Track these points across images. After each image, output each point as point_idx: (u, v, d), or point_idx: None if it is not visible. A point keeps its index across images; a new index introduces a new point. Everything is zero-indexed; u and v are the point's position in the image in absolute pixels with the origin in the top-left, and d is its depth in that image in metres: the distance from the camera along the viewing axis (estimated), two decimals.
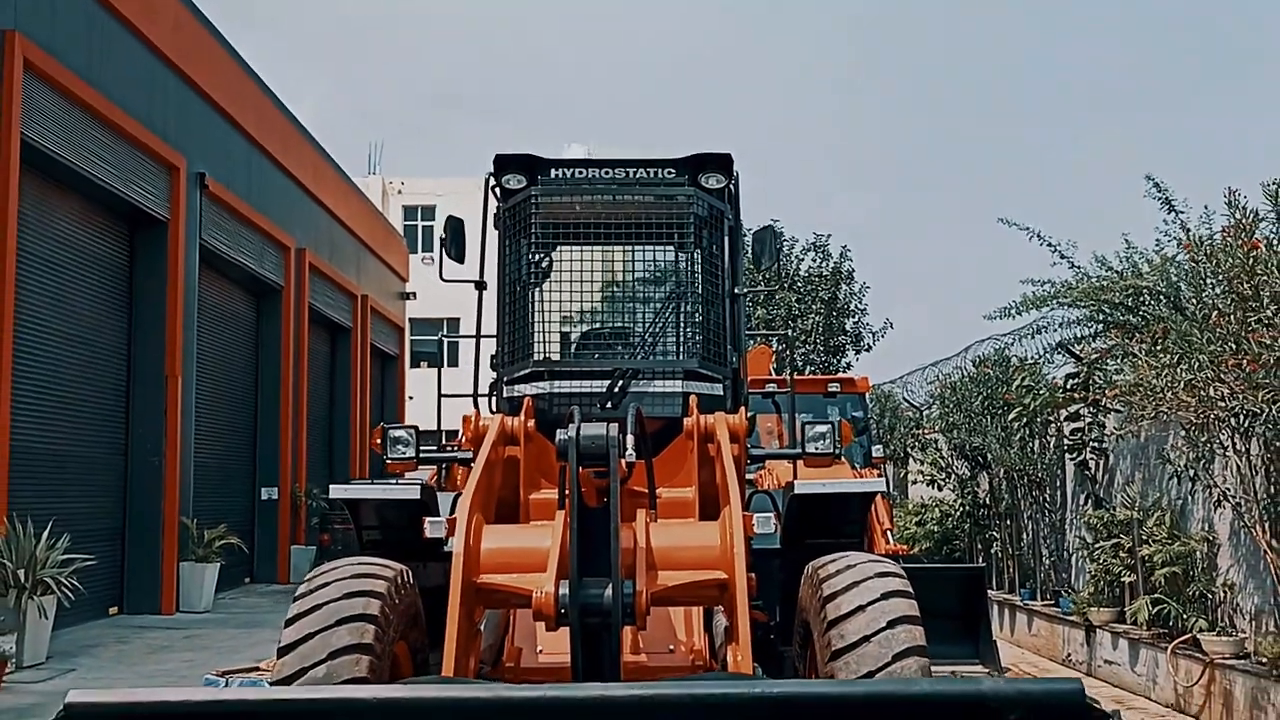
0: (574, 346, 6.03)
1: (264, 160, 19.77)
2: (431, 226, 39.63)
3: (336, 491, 5.34)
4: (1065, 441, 11.42)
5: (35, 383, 12.83)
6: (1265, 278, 6.73)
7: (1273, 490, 7.54)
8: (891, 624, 4.16)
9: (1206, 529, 8.96)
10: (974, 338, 15.07)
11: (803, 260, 29.67)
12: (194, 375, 16.51)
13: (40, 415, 13.00)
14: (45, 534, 11.04)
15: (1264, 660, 7.59)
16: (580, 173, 5.81)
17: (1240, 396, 7.04)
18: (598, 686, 2.73)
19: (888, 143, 76.64)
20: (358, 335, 25.89)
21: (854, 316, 29.71)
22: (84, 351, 14.31)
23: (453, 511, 5.17)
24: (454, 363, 40.58)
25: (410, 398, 32.06)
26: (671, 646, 4.90)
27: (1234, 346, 6.97)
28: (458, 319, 37.29)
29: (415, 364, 35.07)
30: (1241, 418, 7.25)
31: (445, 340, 6.42)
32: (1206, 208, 8.81)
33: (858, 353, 29.77)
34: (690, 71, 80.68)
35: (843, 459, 12.19)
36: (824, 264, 29.54)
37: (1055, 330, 10.91)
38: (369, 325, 26.64)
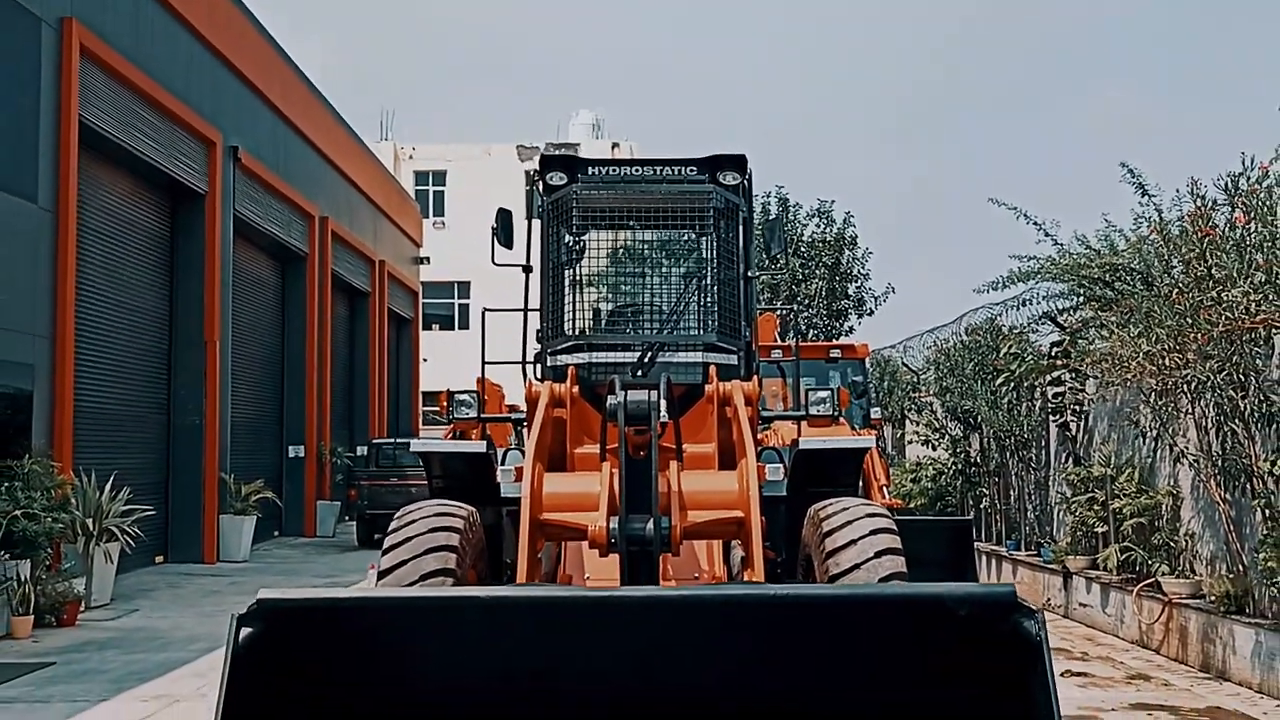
0: (608, 322, 6.90)
1: (290, 132, 20.59)
2: (443, 191, 40.37)
3: (416, 445, 6.26)
4: (1049, 405, 12.34)
5: (91, 347, 13.77)
6: (1217, 261, 7.60)
7: (1224, 450, 8.47)
8: (878, 554, 5.10)
9: (1172, 484, 9.89)
10: (969, 305, 15.93)
11: (806, 226, 30.44)
12: (229, 340, 17.45)
13: (96, 377, 13.96)
14: (108, 486, 12.01)
15: (1213, 599, 8.56)
16: (614, 170, 6.67)
17: (1194, 366, 7.95)
18: (655, 589, 3.65)
19: (896, 104, 76.97)
20: (376, 299, 26.77)
21: (856, 282, 30.52)
22: (132, 318, 15.26)
23: (504, 462, 6.13)
24: (464, 325, 41.30)
25: (425, 359, 33.01)
26: (697, 574, 5.85)
27: (1190, 321, 7.86)
28: (468, 283, 38.20)
29: (428, 326, 36.01)
30: (1195, 385, 8.16)
31: (486, 312, 7.23)
32: (1178, 191, 9.62)
33: (860, 317, 30.60)
34: (697, 38, 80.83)
35: (842, 420, 13.14)
36: (827, 230, 30.29)
37: (1039, 302, 11.80)
38: (386, 290, 27.52)
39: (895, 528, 5.27)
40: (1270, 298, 6.90)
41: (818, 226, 30.42)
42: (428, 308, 35.72)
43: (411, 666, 3.62)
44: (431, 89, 73.24)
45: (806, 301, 29.24)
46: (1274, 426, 7.79)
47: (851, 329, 30.14)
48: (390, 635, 3.64)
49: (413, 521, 5.22)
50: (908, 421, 18.33)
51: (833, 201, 30.47)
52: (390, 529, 5.27)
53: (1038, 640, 3.46)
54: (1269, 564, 7.50)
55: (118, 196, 14.76)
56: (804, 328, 29.14)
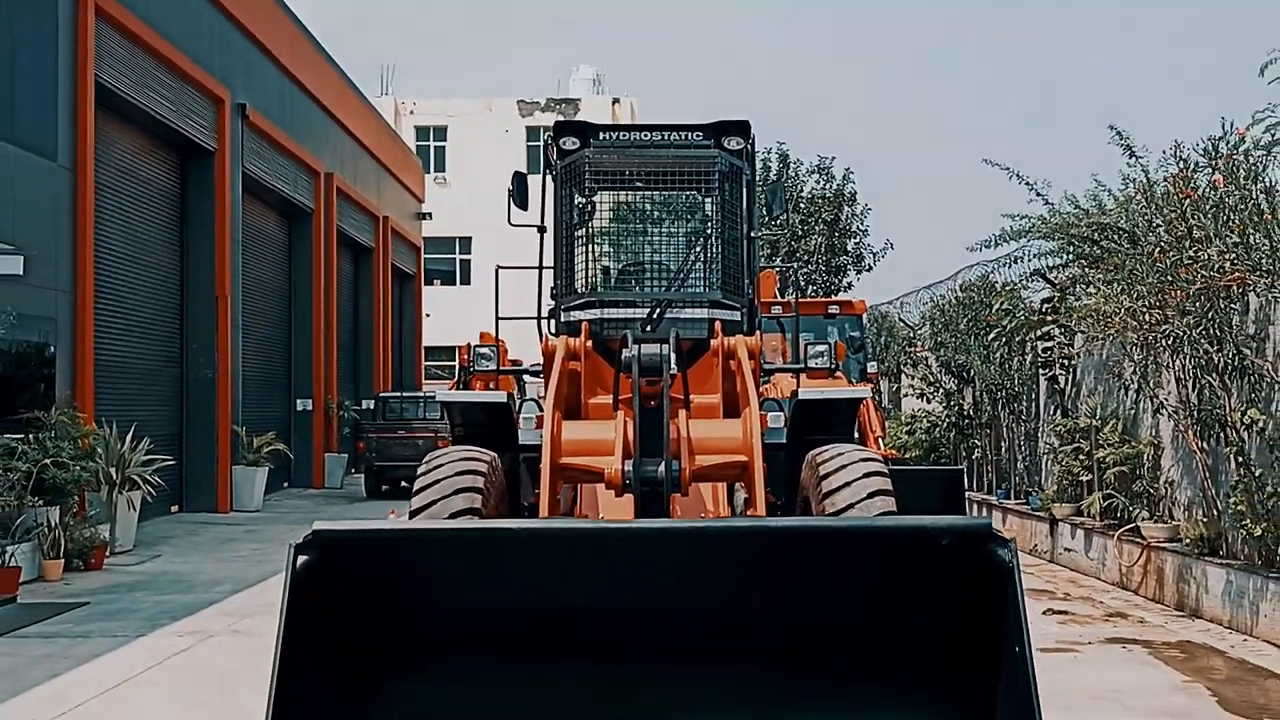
0: (618, 280, 7.28)
1: (295, 90, 20.82)
2: (444, 147, 40.48)
3: (442, 396, 6.69)
4: (1038, 359, 12.77)
5: (108, 301, 14.15)
6: (1197, 222, 7.98)
7: (1199, 402, 8.91)
8: (871, 495, 5.53)
9: (1153, 435, 10.34)
10: (967, 262, 16.30)
11: (806, 182, 30.70)
12: (240, 295, 17.81)
13: (112, 331, 14.35)
14: (129, 436, 12.44)
15: (1189, 542, 9.04)
16: (624, 136, 7.03)
17: (1173, 322, 8.36)
18: (668, 521, 4.08)
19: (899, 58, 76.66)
20: (379, 255, 27.08)
21: (855, 238, 30.83)
22: (145, 273, 15.63)
23: (522, 410, 6.55)
24: (466, 281, 41.49)
25: (427, 315, 33.36)
26: (703, 514, 6.29)
27: (1170, 279, 8.26)
28: (469, 238, 38.47)
29: (430, 281, 36.33)
30: (1173, 339, 8.58)
31: (500, 270, 7.59)
32: (1165, 152, 9.96)
33: (859, 273, 30.95)
34: None
35: (840, 374, 13.57)
36: (827, 186, 30.55)
37: (1031, 260, 12.18)
38: (390, 245, 27.81)
39: (887, 471, 5.70)
40: (1242, 256, 7.28)
41: (818, 183, 30.67)
42: (429, 263, 36.01)
43: (449, 591, 4.02)
44: (431, 42, 72.95)
45: (806, 257, 29.57)
46: (1246, 379, 8.21)
47: (850, 285, 30.52)
48: (431, 563, 4.05)
49: (441, 465, 5.64)
50: (903, 375, 18.77)
51: (833, 158, 30.69)
52: (420, 472, 5.69)
53: (1010, 566, 3.86)
54: (1239, 508, 7.96)
55: (130, 154, 15.08)
56: (803, 284, 29.50)
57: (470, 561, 4.05)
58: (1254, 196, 7.27)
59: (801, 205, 29.91)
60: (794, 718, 4.01)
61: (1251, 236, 7.20)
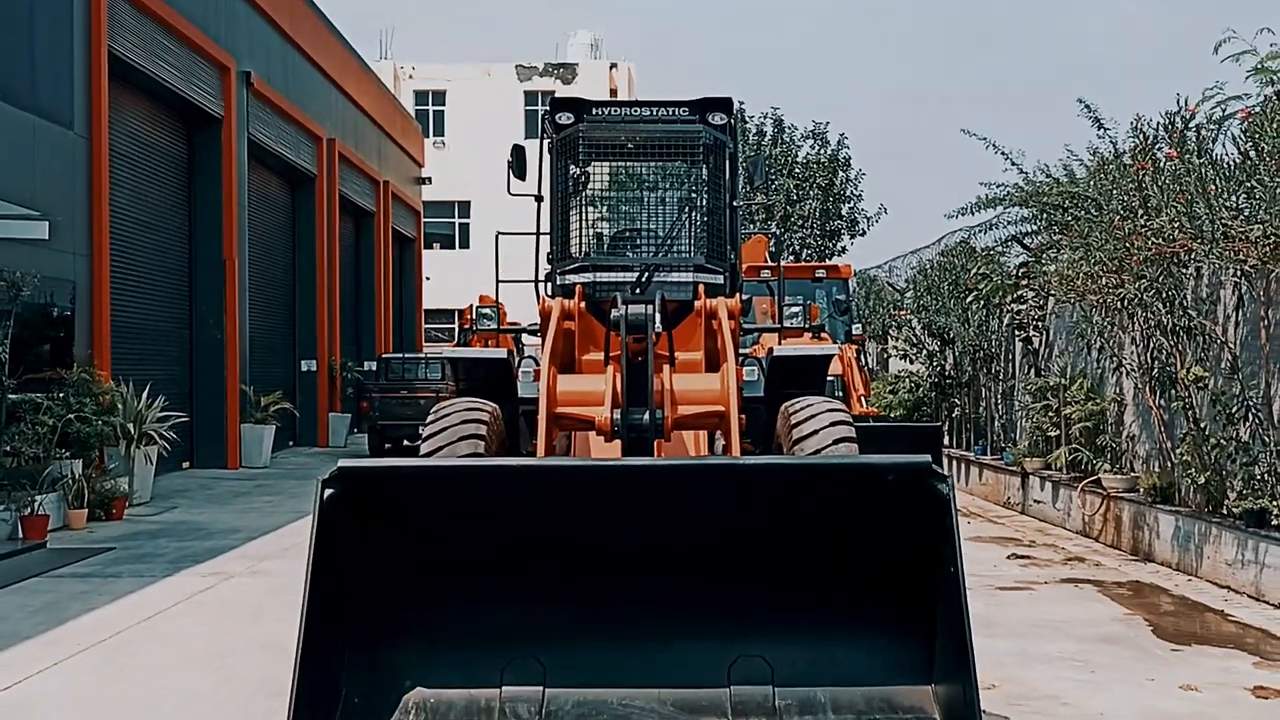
0: (610, 246, 7.84)
1: (298, 56, 21.22)
2: (443, 111, 40.78)
3: (447, 352, 7.28)
4: (1014, 321, 13.36)
5: (122, 265, 14.68)
6: (1150, 193, 8.53)
7: (1151, 361, 9.50)
8: (836, 441, 6.12)
9: (1117, 392, 10.95)
10: (952, 228, 16.89)
11: (801, 147, 31.11)
12: (246, 258, 18.34)
13: (127, 293, 14.89)
14: (145, 394, 13.04)
15: (1143, 491, 9.67)
16: (615, 111, 7.57)
17: (1128, 286, 8.94)
18: (652, 459, 4.66)
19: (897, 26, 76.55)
20: (380, 219, 27.55)
21: (850, 202, 31.30)
22: (155, 237, 16.15)
23: (520, 364, 7.16)
24: (465, 244, 41.84)
25: (427, 278, 33.87)
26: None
27: (1126, 246, 8.82)
28: (468, 202, 38.89)
29: (429, 245, 36.80)
30: (1127, 302, 9.16)
31: (500, 236, 8.13)
32: (1131, 124, 10.51)
33: (852, 237, 31.44)
34: None
35: (825, 334, 14.19)
36: (822, 151, 30.97)
37: (1006, 226, 12.75)
38: (390, 209, 28.27)
39: (851, 421, 6.29)
40: (1185, 226, 7.84)
41: (812, 148, 31.06)
42: (429, 227, 36.46)
43: (458, 522, 4.59)
44: (430, 6, 72.80)
45: (801, 222, 30.07)
46: (1194, 340, 8.80)
47: (844, 249, 31.03)
48: (442, 497, 4.64)
49: (447, 414, 6.23)
50: (889, 337, 19.36)
51: (827, 123, 31.06)
52: (428, 421, 6.27)
53: (946, 498, 4.45)
54: (1186, 458, 8.57)
55: (141, 122, 15.57)
56: (798, 247, 30.04)
57: (477, 495, 4.65)
58: (1198, 169, 7.82)
59: (796, 170, 30.35)
60: (757, 633, 4.62)
61: (1195, 206, 7.75)
